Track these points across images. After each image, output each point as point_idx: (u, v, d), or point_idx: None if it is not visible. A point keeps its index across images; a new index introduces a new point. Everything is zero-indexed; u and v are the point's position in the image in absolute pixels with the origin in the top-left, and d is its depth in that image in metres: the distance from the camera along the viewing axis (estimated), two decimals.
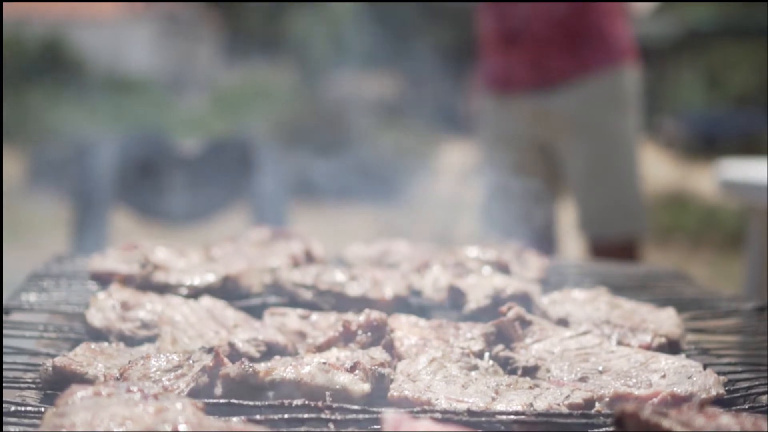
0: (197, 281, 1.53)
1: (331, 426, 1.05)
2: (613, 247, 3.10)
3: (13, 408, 1.05)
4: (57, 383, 1.14)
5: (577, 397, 1.15)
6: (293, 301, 1.54)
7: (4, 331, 1.34)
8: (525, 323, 1.38)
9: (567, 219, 3.64)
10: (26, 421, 1.03)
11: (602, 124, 3.12)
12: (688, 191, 10.04)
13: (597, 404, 1.17)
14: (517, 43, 3.12)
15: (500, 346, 1.33)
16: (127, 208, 4.46)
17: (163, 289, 1.50)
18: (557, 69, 3.12)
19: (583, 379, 1.25)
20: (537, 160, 3.20)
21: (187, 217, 4.21)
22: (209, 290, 1.52)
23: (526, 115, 3.17)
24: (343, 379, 1.11)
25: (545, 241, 3.24)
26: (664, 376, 1.25)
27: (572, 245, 4.81)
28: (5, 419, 1.03)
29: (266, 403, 1.08)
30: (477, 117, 3.38)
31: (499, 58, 3.19)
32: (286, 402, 1.07)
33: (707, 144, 14.69)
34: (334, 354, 1.26)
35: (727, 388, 1.24)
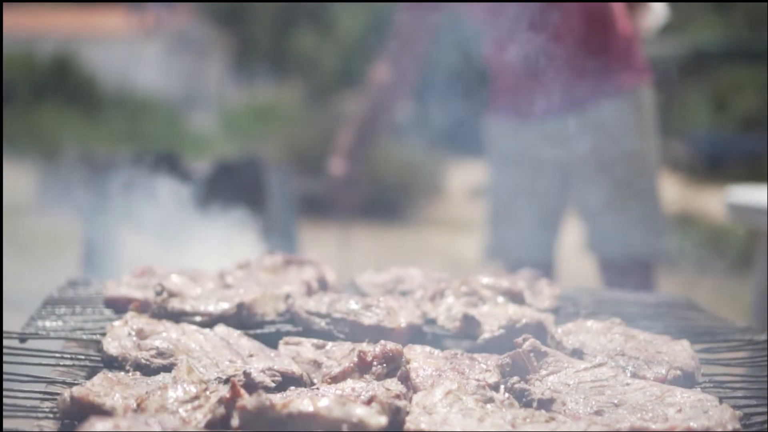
0: (212, 308, 1.53)
1: None
2: (631, 269, 3.07)
3: None
4: (75, 413, 1.14)
5: None
6: (307, 330, 1.54)
7: (21, 359, 1.35)
8: (540, 354, 1.38)
9: (570, 239, 3.62)
10: None
11: (624, 145, 3.10)
12: (695, 213, 10.03)
13: None
14: (536, 69, 3.09)
15: (515, 378, 1.33)
16: (137, 227, 4.47)
17: (178, 316, 1.51)
18: (578, 93, 3.09)
19: (598, 413, 1.25)
20: (551, 183, 3.18)
21: (195, 238, 4.22)
22: (224, 317, 1.52)
23: (545, 139, 3.14)
24: (360, 411, 1.11)
25: (545, 262, 3.23)
26: (680, 410, 1.25)
27: (574, 265, 4.80)
28: None
29: None
30: (490, 142, 3.32)
31: (516, 84, 3.15)
32: None
33: (713, 166, 14.69)
34: (349, 385, 1.26)
35: (742, 423, 1.23)
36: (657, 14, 3.28)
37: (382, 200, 9.67)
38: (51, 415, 1.18)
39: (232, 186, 4.58)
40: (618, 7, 3.11)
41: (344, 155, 3.24)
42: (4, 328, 1.55)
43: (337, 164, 3.26)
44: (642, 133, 3.13)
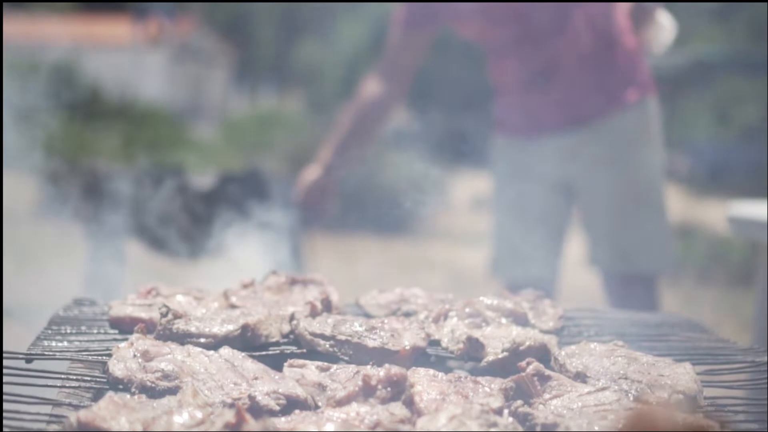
0: (216, 330, 1.54)
1: None
2: (636, 284, 3.07)
3: None
4: None
5: None
6: (312, 351, 1.55)
7: (27, 380, 1.35)
8: (543, 378, 1.39)
9: (574, 253, 3.62)
10: None
11: (631, 158, 3.10)
12: (696, 224, 10.04)
13: None
14: (543, 85, 3.08)
15: (519, 402, 1.33)
16: (139, 240, 4.48)
17: (183, 337, 1.52)
18: (585, 108, 3.09)
19: None
20: (555, 198, 3.18)
21: (199, 251, 4.23)
22: (228, 339, 1.53)
23: (552, 155, 3.13)
24: None
25: (549, 277, 3.23)
26: None
27: (578, 279, 4.81)
28: None
29: None
30: (495, 158, 3.31)
31: (523, 100, 3.15)
32: None
33: (715, 177, 14.71)
34: (354, 409, 1.27)
35: None
36: (667, 32, 3.22)
37: (385, 212, 9.68)
38: None
39: (236, 197, 4.59)
40: (622, 21, 3.11)
41: (319, 164, 3.22)
42: (12, 347, 1.56)
43: (310, 172, 3.23)
44: (647, 147, 3.13)
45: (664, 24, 3.21)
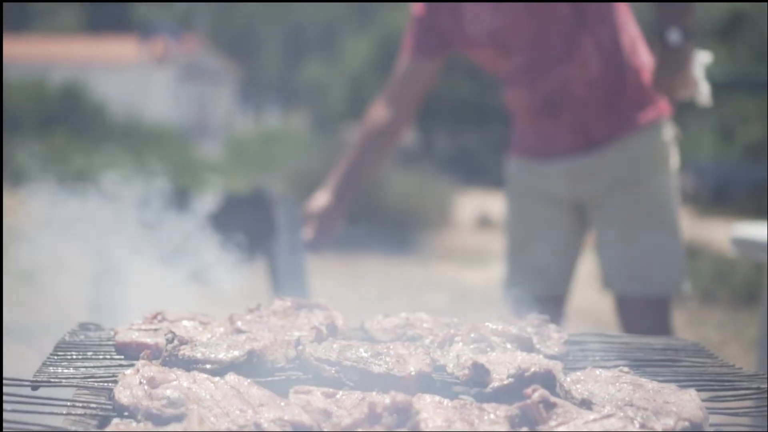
0: (222, 356, 1.54)
1: None
2: (649, 305, 3.06)
3: None
4: None
5: None
6: (317, 377, 1.55)
7: (34, 408, 1.36)
8: (549, 405, 1.38)
9: (584, 272, 3.62)
10: None
11: (644, 180, 3.10)
12: (701, 244, 10.03)
13: None
14: (554, 110, 3.09)
15: (525, 429, 1.33)
16: (144, 261, 4.48)
17: (189, 363, 1.52)
18: (597, 131, 3.09)
19: None
20: (569, 219, 3.18)
21: (204, 273, 4.23)
22: (234, 365, 1.53)
23: (565, 177, 3.14)
24: None
25: (560, 297, 3.23)
26: None
27: (583, 295, 4.81)
28: None
29: None
30: (508, 179, 3.32)
31: (534, 124, 3.16)
32: None
33: (719, 197, 14.69)
34: None
35: None
36: (703, 93, 3.03)
37: (390, 231, 9.70)
38: None
39: (240, 218, 4.59)
40: (634, 42, 3.12)
41: (329, 191, 3.28)
42: (17, 368, 1.57)
43: (319, 199, 3.30)
44: (661, 169, 3.13)
45: (704, 89, 2.94)
